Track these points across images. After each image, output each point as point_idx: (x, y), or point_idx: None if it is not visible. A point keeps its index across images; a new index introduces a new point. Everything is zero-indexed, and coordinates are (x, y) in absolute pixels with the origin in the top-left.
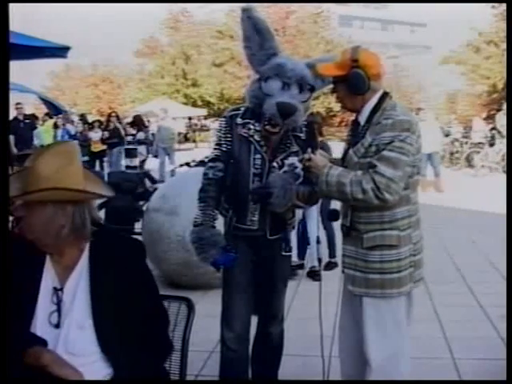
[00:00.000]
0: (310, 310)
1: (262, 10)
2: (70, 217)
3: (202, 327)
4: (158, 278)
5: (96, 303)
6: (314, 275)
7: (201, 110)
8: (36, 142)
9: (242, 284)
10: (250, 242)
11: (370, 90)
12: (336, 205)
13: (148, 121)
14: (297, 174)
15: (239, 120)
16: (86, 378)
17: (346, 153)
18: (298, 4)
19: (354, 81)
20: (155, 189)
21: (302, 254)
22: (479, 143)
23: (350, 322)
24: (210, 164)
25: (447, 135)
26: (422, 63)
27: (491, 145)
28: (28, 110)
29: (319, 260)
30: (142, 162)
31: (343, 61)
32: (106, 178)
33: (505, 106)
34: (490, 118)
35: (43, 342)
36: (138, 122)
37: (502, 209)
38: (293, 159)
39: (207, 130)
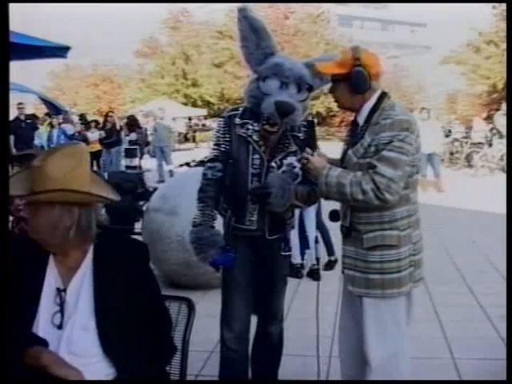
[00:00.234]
0: (309, 310)
1: (262, 10)
2: (76, 219)
3: (202, 327)
4: (158, 278)
5: (99, 304)
6: (313, 274)
7: (201, 109)
8: (37, 142)
9: (242, 284)
10: (249, 242)
11: (370, 89)
12: (335, 205)
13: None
14: (295, 173)
15: (238, 120)
16: (87, 378)
17: (344, 153)
18: (297, 4)
19: (356, 79)
20: (155, 189)
21: (302, 254)
22: (479, 143)
23: (350, 322)
24: (209, 164)
25: (447, 135)
26: (422, 63)
27: (491, 145)
28: (28, 110)
29: (317, 259)
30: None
31: (344, 60)
32: (105, 178)
33: (503, 106)
34: (490, 117)
35: (44, 343)
36: (132, 123)
37: (502, 209)
38: (291, 159)
39: (207, 130)
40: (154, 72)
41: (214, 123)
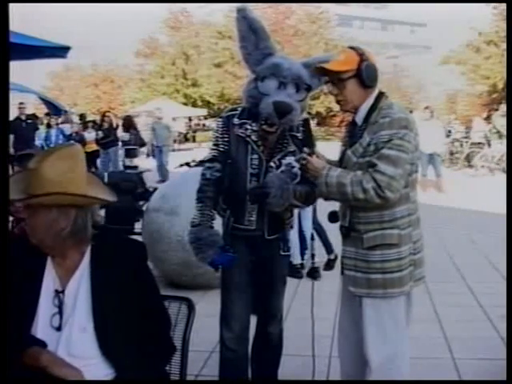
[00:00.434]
0: (309, 310)
1: (262, 11)
2: (72, 220)
3: (202, 327)
4: (158, 278)
5: (97, 305)
6: (313, 272)
7: (201, 110)
8: (37, 142)
9: (241, 284)
10: (248, 241)
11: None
12: (334, 206)
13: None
14: (294, 173)
15: (236, 120)
16: (86, 378)
17: (343, 154)
18: (297, 4)
19: (368, 72)
20: (155, 189)
21: (302, 254)
22: (479, 143)
23: (350, 323)
24: (208, 164)
25: (447, 135)
26: (421, 63)
27: (490, 145)
28: (28, 110)
29: (312, 255)
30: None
31: (349, 56)
32: (106, 178)
33: (502, 107)
34: (489, 118)
35: (42, 344)
36: (128, 124)
37: (502, 209)
38: (290, 159)
39: (207, 130)
40: (154, 72)
41: (214, 123)
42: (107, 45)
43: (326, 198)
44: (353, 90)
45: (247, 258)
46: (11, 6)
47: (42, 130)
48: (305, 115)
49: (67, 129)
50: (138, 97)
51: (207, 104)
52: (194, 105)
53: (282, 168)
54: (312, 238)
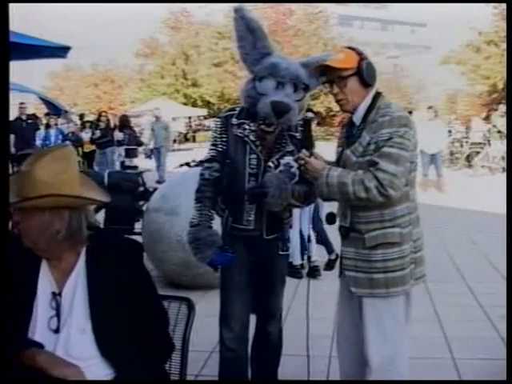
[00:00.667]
0: (309, 310)
1: (262, 11)
2: (66, 222)
3: (202, 327)
4: (158, 278)
5: (94, 306)
6: (314, 271)
7: (201, 109)
8: (38, 142)
9: (240, 284)
10: (246, 241)
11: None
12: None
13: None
14: (292, 173)
15: (234, 120)
16: (86, 378)
17: (340, 154)
18: (297, 4)
19: (368, 71)
20: (155, 189)
21: (302, 255)
22: (479, 143)
23: (349, 324)
24: (206, 164)
25: (448, 136)
26: (421, 63)
27: (490, 145)
28: (28, 110)
29: (309, 258)
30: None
31: (349, 55)
32: (105, 178)
33: (501, 107)
34: (488, 118)
35: (39, 347)
36: (122, 123)
37: (502, 209)
38: (288, 159)
39: (207, 130)
40: (154, 72)
41: (213, 123)
42: (107, 45)
43: (326, 199)
44: (353, 89)
45: (246, 257)
46: (11, 5)
47: (42, 130)
48: (309, 115)
49: (65, 129)
50: (138, 97)
51: (207, 104)
52: (194, 105)
53: (281, 168)
54: (309, 240)
